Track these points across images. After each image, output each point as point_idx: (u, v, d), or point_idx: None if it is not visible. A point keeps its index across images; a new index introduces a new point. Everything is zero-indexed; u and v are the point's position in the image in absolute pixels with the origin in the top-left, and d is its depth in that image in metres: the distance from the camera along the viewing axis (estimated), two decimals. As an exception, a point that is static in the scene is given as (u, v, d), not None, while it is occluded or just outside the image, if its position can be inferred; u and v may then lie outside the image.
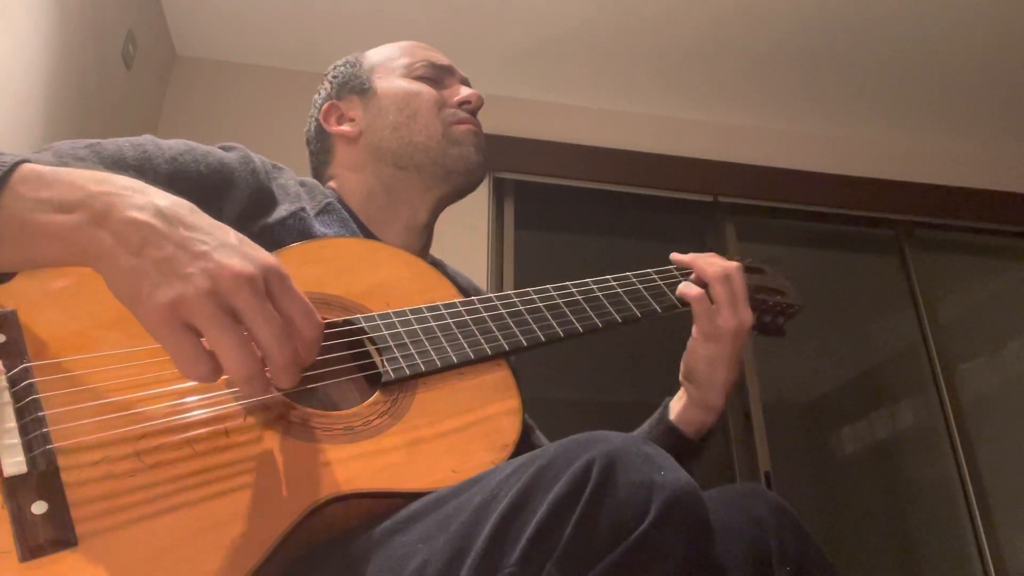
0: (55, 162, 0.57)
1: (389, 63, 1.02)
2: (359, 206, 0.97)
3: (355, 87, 1.02)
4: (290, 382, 0.53)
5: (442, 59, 1.04)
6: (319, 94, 1.06)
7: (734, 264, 0.92)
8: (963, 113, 3.03)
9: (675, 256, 0.96)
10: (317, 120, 1.04)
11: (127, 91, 2.33)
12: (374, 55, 1.05)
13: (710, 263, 0.91)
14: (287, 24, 2.59)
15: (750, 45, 2.71)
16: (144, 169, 0.77)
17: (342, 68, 1.05)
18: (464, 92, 1.01)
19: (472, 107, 1.00)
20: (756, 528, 0.66)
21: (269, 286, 0.52)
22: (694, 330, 0.90)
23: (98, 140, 0.79)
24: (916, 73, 2.84)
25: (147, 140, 0.82)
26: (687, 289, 0.90)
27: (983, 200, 3.03)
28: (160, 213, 0.52)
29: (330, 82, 1.05)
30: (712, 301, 0.89)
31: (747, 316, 0.89)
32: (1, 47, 1.66)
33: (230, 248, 0.52)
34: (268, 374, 0.52)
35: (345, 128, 1.00)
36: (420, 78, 1.00)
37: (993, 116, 3.05)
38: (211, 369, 0.50)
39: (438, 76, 1.02)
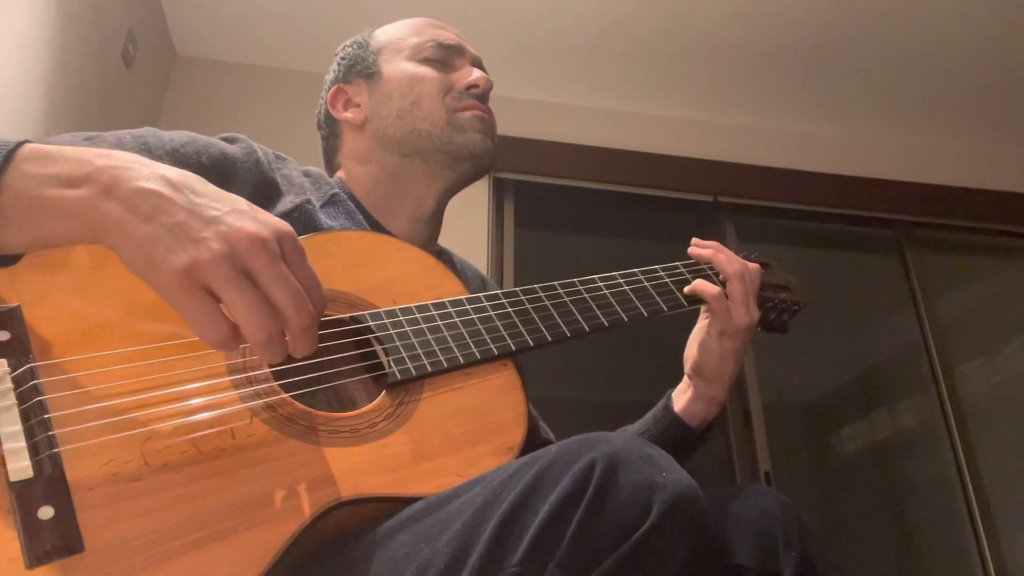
0: None
1: (396, 44, 0.99)
2: (365, 196, 0.95)
3: (362, 70, 0.99)
4: (308, 347, 0.52)
5: (451, 38, 1.00)
6: (328, 74, 1.03)
7: (753, 265, 0.93)
8: (963, 113, 3.03)
9: (693, 250, 0.95)
10: (325, 104, 1.02)
11: (127, 91, 2.33)
12: (383, 35, 1.02)
13: (729, 260, 0.92)
14: (287, 24, 2.59)
15: (750, 45, 2.72)
16: None
17: (350, 49, 1.02)
18: (472, 76, 0.97)
19: (480, 91, 0.96)
20: (764, 518, 0.68)
21: (283, 250, 0.51)
22: (708, 326, 0.91)
23: (98, 132, 0.78)
24: (916, 73, 2.84)
25: (148, 132, 0.81)
26: (704, 286, 0.90)
27: (983, 200, 3.03)
28: (168, 182, 0.51)
29: (339, 63, 1.02)
30: (727, 297, 0.89)
31: (756, 313, 0.90)
32: (1, 47, 1.66)
33: (242, 212, 0.52)
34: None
35: (350, 115, 0.98)
36: (427, 60, 0.97)
37: (993, 116, 3.05)
38: (231, 332, 0.49)
39: (447, 57, 0.98)
